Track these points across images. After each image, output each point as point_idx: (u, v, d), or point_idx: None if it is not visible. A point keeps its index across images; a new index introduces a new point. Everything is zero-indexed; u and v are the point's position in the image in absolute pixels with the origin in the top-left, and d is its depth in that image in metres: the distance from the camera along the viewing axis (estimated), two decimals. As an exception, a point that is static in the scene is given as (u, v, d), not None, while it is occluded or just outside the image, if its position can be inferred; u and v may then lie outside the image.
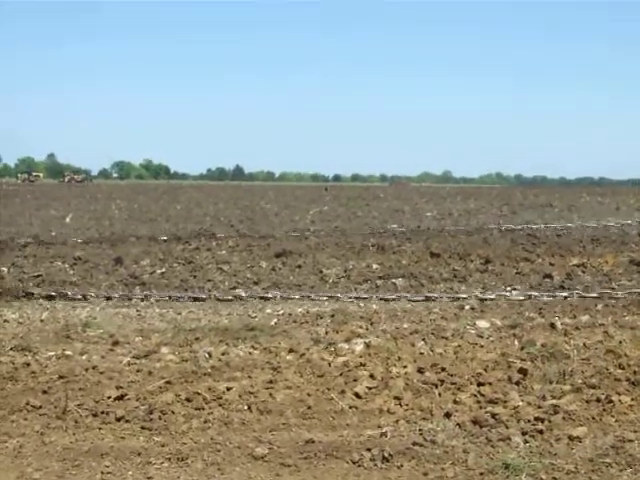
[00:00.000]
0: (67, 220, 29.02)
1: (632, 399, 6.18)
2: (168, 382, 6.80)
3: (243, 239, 21.05)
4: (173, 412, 6.08)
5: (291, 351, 7.91)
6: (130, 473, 5.08)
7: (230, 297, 11.89)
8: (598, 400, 6.17)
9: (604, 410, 5.98)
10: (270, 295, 11.95)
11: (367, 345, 8.08)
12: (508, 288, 12.54)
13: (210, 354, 7.80)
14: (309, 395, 6.47)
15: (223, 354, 7.84)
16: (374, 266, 15.50)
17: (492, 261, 15.79)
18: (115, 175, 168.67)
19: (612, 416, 5.87)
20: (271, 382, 6.80)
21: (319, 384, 6.77)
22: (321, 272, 14.59)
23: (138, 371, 7.23)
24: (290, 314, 10.35)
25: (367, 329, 9.09)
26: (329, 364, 7.37)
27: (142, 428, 5.83)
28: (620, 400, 6.13)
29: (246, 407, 6.21)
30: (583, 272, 14.32)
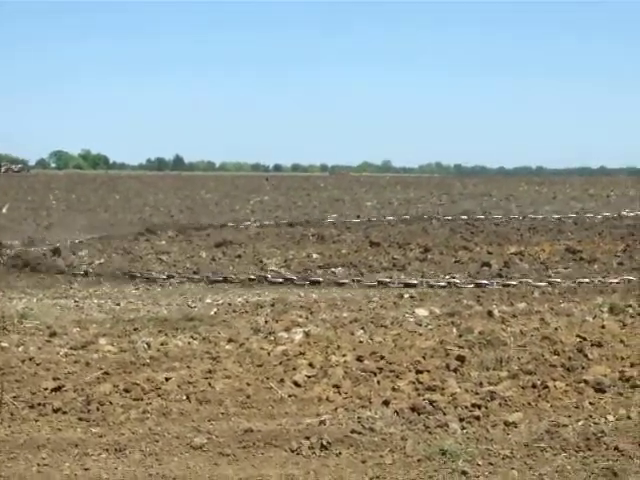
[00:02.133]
0: (3, 211, 28.58)
1: (567, 385, 6.27)
2: (106, 373, 6.75)
3: (182, 229, 20.96)
4: (111, 403, 6.03)
5: (230, 341, 7.89)
6: (67, 465, 5.03)
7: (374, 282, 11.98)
8: (534, 386, 6.25)
9: (539, 396, 6.06)
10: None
11: (306, 334, 8.10)
12: (447, 277, 12.63)
13: (149, 344, 7.75)
14: (248, 384, 6.46)
15: (162, 344, 7.80)
16: (314, 255, 15.53)
17: (431, 250, 15.92)
18: (53, 165, 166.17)
19: (547, 401, 5.95)
20: (210, 372, 6.77)
21: (258, 373, 6.76)
22: (261, 262, 14.58)
23: (76, 362, 7.16)
24: (230, 304, 10.32)
25: (307, 318, 9.11)
26: (268, 353, 7.38)
27: (79, 419, 5.77)
28: (555, 386, 6.22)
29: (185, 397, 6.18)
30: (521, 260, 14.49)
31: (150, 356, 7.31)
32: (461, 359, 6.97)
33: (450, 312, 9.30)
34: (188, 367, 6.94)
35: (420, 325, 8.65)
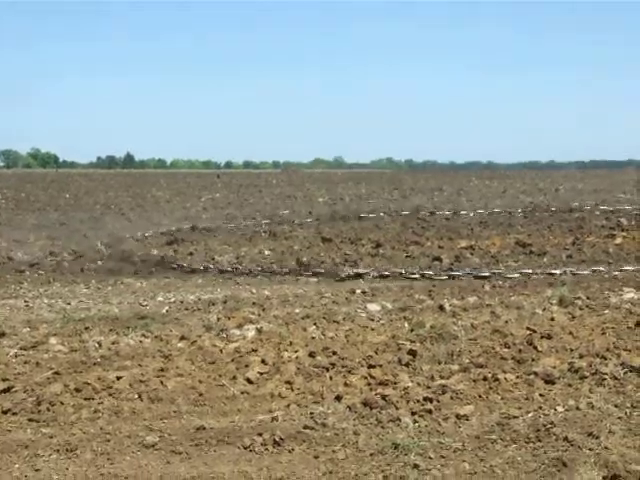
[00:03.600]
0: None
1: (517, 377, 6.34)
2: (57, 373, 6.69)
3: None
4: (62, 403, 5.98)
5: (182, 338, 7.86)
6: (17, 466, 4.97)
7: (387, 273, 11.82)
8: (485, 379, 6.30)
9: (490, 388, 6.11)
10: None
11: (259, 331, 8.10)
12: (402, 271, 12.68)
13: (100, 343, 7.70)
14: (200, 382, 6.44)
15: (113, 343, 7.75)
16: (266, 252, 15.53)
17: (383, 245, 15.98)
18: (1, 164, 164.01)
19: (498, 394, 6.01)
20: (162, 370, 6.75)
21: (211, 371, 6.75)
22: (213, 259, 14.55)
23: (26, 362, 7.09)
24: (182, 301, 10.29)
25: (259, 315, 9.10)
26: (221, 350, 7.37)
27: (30, 420, 5.71)
28: (506, 378, 6.28)
29: (136, 396, 6.15)
30: (471, 254, 14.59)
31: (101, 355, 7.26)
32: (413, 353, 7.01)
33: (402, 307, 9.35)
34: (140, 366, 6.91)
35: (372, 320, 8.68)
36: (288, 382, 6.38)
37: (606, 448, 4.93)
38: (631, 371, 6.33)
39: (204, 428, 5.45)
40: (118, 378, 6.49)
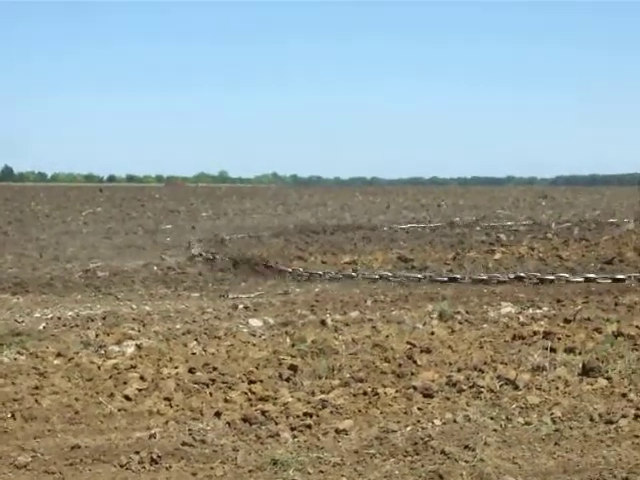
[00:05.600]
0: None
1: (396, 391, 6.39)
2: None
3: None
4: None
5: (59, 355, 7.68)
6: None
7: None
8: (365, 393, 6.34)
9: (370, 403, 6.14)
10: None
11: (138, 347, 7.98)
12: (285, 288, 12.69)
13: (-28, 361, 7.45)
14: (77, 400, 6.29)
15: (-14, 361, 7.51)
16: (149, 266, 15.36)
17: (267, 261, 15.95)
18: None
19: (377, 408, 6.04)
20: (37, 388, 6.57)
21: (88, 388, 6.61)
22: (87, 271, 14.37)
23: None
24: (60, 318, 10.03)
25: (139, 331, 8.96)
26: (99, 367, 7.22)
27: None
28: (385, 392, 6.32)
29: (9, 415, 5.96)
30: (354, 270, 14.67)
31: (-27, 374, 7.03)
32: (294, 368, 7.00)
33: (284, 322, 9.34)
34: (13, 384, 6.71)
35: (254, 335, 8.64)
36: (167, 398, 6.29)
37: (481, 460, 5.01)
38: (507, 384, 6.45)
39: (79, 447, 5.32)
40: (-10, 397, 6.29)
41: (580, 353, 7.41)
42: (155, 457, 5.08)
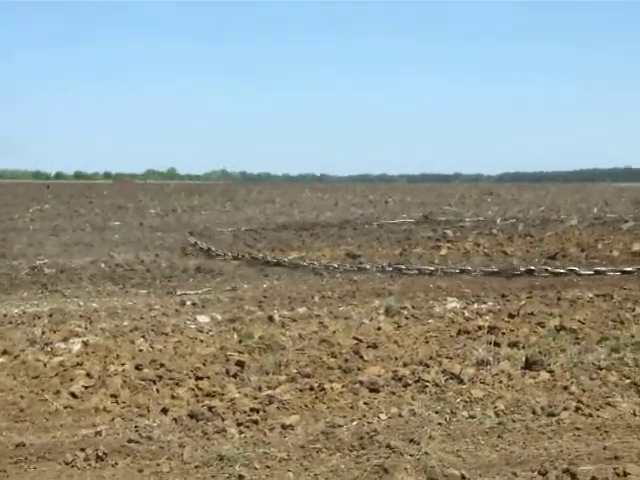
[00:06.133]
0: None
1: (343, 386, 6.43)
2: None
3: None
4: None
5: (5, 353, 7.61)
6: None
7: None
8: (311, 388, 6.38)
9: (316, 398, 6.19)
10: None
11: (85, 344, 7.94)
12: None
13: None
14: (22, 397, 6.26)
15: None
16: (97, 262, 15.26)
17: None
18: None
19: (324, 403, 6.08)
20: (-19, 386, 6.52)
21: (33, 385, 6.57)
22: (34, 268, 14.23)
23: None
24: (5, 315, 9.94)
25: (86, 328, 8.91)
26: (45, 365, 7.17)
27: None
28: (332, 387, 6.37)
29: (-46, 413, 5.92)
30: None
31: None
32: (241, 364, 7.02)
33: (231, 318, 9.35)
34: (-43, 382, 6.65)
35: (201, 332, 8.64)
36: (113, 395, 6.27)
37: (426, 453, 5.07)
38: (452, 378, 6.54)
39: (24, 445, 5.29)
40: None
41: (523, 347, 7.53)
42: (101, 454, 5.07)
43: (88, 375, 6.79)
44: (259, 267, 14.60)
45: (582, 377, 6.57)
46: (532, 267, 13.23)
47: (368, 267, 13.85)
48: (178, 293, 11.80)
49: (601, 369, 6.78)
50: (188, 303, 10.73)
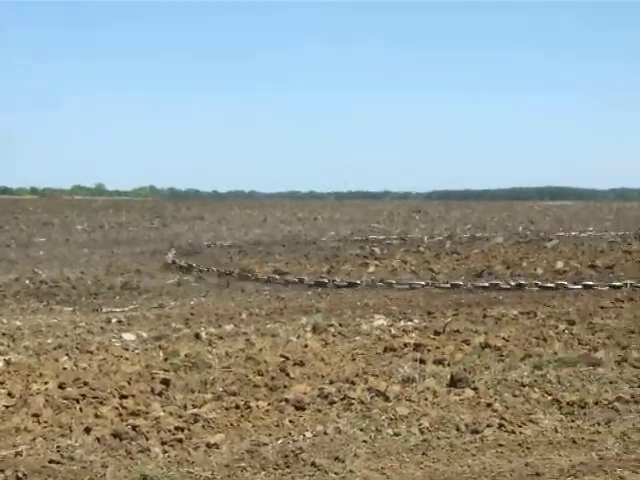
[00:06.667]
0: None
1: (269, 404, 6.41)
2: None
3: None
4: None
5: None
6: None
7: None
8: (237, 407, 6.34)
9: (242, 416, 6.15)
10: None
11: (7, 362, 7.80)
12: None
13: None
14: (-59, 417, 6.12)
15: None
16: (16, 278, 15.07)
17: (142, 273, 15.85)
18: None
19: (249, 421, 6.05)
20: None
21: (-47, 405, 6.42)
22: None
23: None
24: None
25: (9, 346, 8.77)
26: (-35, 385, 7.02)
27: None
28: (258, 406, 6.34)
29: None
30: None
31: None
32: (166, 382, 6.96)
33: (158, 336, 9.28)
34: None
35: (127, 350, 8.56)
36: (35, 415, 6.16)
37: (351, 471, 5.09)
38: (377, 395, 6.56)
39: (-59, 466, 5.18)
40: None
41: (449, 364, 7.59)
42: (21, 475, 4.97)
43: (9, 394, 6.66)
44: (190, 284, 14.53)
45: (506, 394, 6.65)
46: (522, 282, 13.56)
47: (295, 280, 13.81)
48: (104, 310, 11.68)
49: (524, 386, 6.87)
50: (114, 320, 10.62)
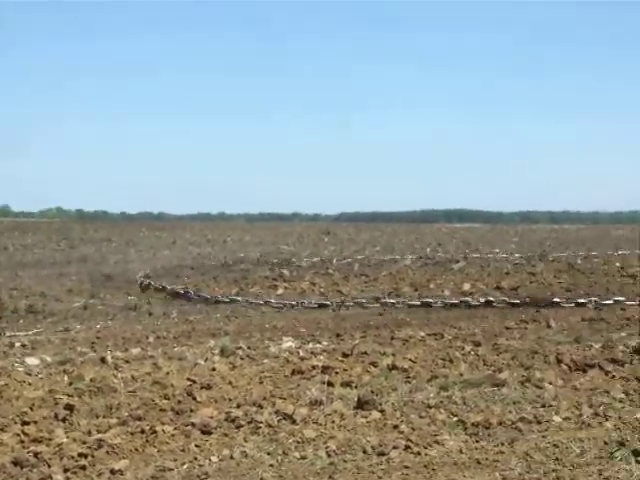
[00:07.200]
0: None
1: (175, 428, 6.34)
2: None
3: None
4: None
5: None
6: None
7: None
8: (142, 432, 6.26)
9: (147, 441, 6.07)
10: None
11: None
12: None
13: None
14: None
15: None
16: None
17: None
18: None
19: (155, 446, 5.98)
20: None
21: None
22: None
23: None
24: None
25: None
26: None
27: None
28: (163, 430, 6.26)
29: None
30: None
31: None
32: (70, 408, 6.83)
33: (62, 360, 9.11)
34: None
35: (30, 374, 8.38)
36: None
37: (258, 496, 5.06)
38: (285, 419, 6.55)
39: None
40: None
41: (356, 387, 7.62)
42: None
43: None
44: (96, 307, 14.36)
45: (412, 416, 6.70)
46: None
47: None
48: (7, 335, 11.44)
49: (430, 407, 6.92)
50: (17, 345, 10.41)
